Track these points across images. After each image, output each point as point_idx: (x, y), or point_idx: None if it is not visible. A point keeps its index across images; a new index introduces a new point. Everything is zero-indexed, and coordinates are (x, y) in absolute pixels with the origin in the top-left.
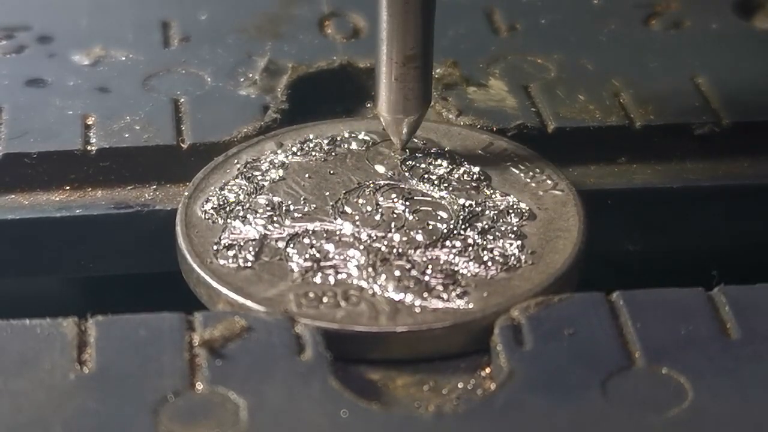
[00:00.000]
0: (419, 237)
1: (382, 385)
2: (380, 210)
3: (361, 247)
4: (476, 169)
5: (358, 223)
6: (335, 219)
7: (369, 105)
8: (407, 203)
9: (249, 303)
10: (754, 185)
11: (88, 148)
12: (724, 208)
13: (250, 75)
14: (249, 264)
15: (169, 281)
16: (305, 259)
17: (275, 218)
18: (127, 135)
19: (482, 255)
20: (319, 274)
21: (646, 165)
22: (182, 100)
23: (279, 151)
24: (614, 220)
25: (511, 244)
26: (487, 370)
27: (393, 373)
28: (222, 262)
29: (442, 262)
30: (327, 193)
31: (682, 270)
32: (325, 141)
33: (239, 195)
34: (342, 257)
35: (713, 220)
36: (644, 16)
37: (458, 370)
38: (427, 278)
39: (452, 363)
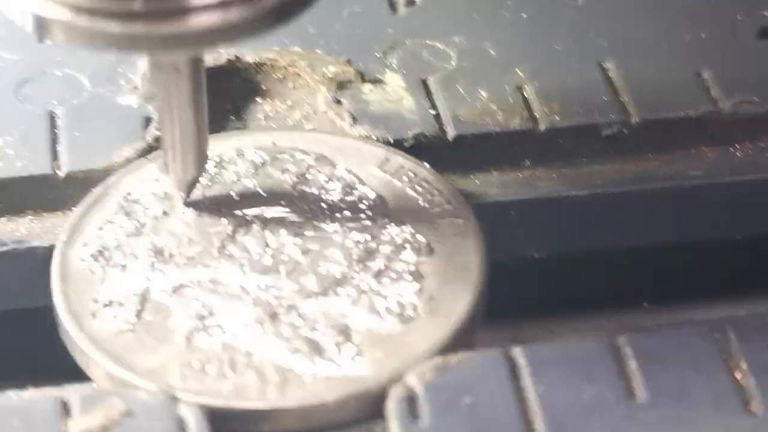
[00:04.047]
0: (310, 284)
1: None
2: (268, 251)
3: (249, 299)
4: (372, 194)
5: (245, 268)
6: (221, 264)
7: (259, 101)
8: (298, 241)
9: (129, 377)
10: (665, 188)
11: None
12: (631, 212)
13: (131, 77)
14: (130, 326)
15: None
16: (189, 317)
17: (157, 266)
18: (0, 163)
19: (376, 304)
20: (204, 335)
21: (551, 169)
22: (58, 111)
23: (162, 178)
24: (518, 229)
25: (407, 289)
26: None
27: None
28: (100, 324)
29: (334, 314)
30: (212, 230)
31: (589, 274)
32: (212, 164)
33: (119, 236)
34: (228, 313)
35: (619, 223)
36: None
37: None
38: (318, 336)
39: None
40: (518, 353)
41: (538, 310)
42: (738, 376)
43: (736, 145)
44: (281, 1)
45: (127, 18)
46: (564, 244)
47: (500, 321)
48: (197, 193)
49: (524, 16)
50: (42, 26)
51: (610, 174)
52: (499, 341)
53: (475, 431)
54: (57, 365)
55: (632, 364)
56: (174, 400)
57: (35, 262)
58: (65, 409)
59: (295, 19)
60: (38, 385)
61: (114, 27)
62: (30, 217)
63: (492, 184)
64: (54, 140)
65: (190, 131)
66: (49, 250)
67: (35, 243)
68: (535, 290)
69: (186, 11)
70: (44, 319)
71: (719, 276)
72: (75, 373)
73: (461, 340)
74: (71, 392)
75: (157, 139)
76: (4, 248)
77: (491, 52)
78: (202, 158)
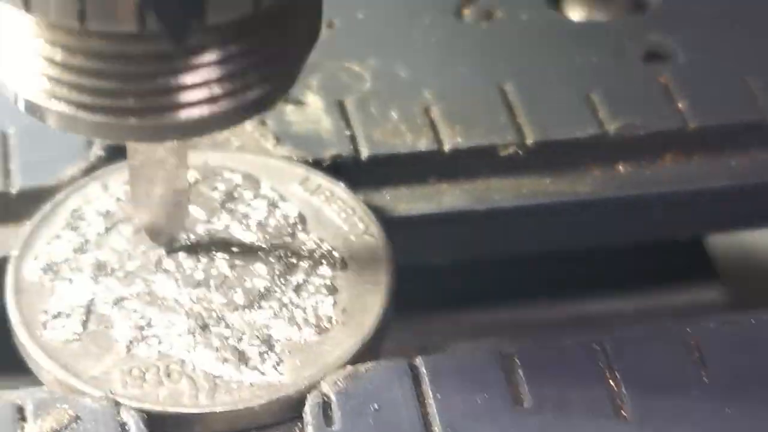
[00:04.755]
0: (237, 297)
1: None
2: (200, 266)
3: (183, 311)
4: (293, 212)
5: (179, 282)
6: (157, 277)
7: None
8: (226, 256)
9: (76, 383)
10: (554, 203)
11: None
12: (527, 225)
13: None
14: (76, 336)
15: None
16: (130, 327)
17: (100, 279)
18: None
19: (296, 316)
20: (143, 344)
21: (454, 185)
22: (10, 131)
23: (104, 195)
24: (423, 239)
25: (323, 302)
26: None
27: None
28: (50, 334)
29: (258, 326)
30: (149, 246)
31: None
32: None
33: (66, 251)
34: (164, 324)
35: (514, 234)
36: (458, 2)
37: None
38: (243, 346)
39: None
40: (420, 362)
41: (441, 308)
42: (612, 384)
43: (620, 165)
44: (263, 93)
45: (120, 112)
46: (464, 252)
47: (405, 317)
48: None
49: (433, 39)
50: (34, 110)
51: (507, 190)
52: (406, 338)
53: None
54: (10, 363)
55: (519, 373)
56: (116, 405)
57: None
58: (20, 413)
59: (274, 107)
60: None
61: (107, 119)
62: None
63: (401, 199)
64: (6, 158)
65: (169, 199)
66: (1, 261)
67: None
68: (438, 291)
69: (177, 107)
70: None
71: (602, 276)
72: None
73: (371, 348)
74: (25, 397)
75: (99, 159)
76: None
77: (401, 74)
78: (182, 219)
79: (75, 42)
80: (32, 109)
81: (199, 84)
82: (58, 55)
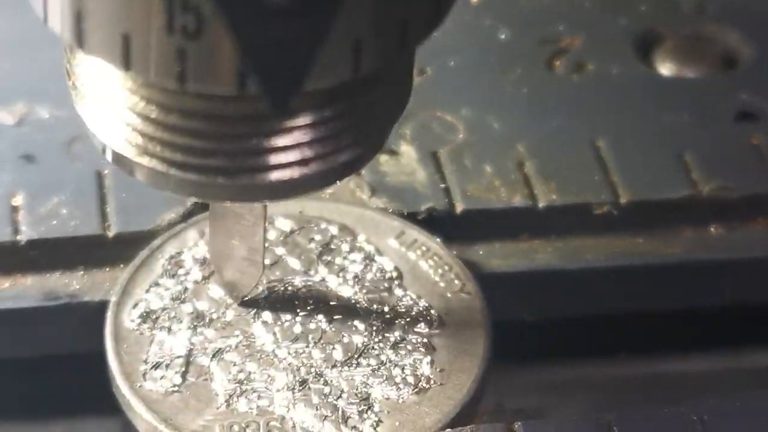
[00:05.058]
0: (336, 354)
1: None
2: (297, 319)
3: (281, 366)
4: (389, 266)
5: (278, 335)
6: (256, 329)
7: None
8: (324, 309)
9: None
10: (645, 264)
11: (18, 238)
12: (619, 284)
13: None
14: (176, 387)
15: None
16: (229, 380)
17: (199, 329)
18: (54, 222)
19: (394, 374)
20: (243, 399)
21: (547, 242)
22: (105, 171)
23: (201, 242)
24: (515, 296)
25: (420, 360)
26: None
27: None
28: (150, 385)
29: (357, 383)
30: (247, 297)
31: (576, 334)
32: None
33: (164, 299)
34: (263, 378)
35: (608, 294)
36: (549, 54)
37: None
38: (343, 404)
39: None
40: (519, 428)
41: (532, 363)
42: None
43: (712, 226)
44: (353, 156)
45: (211, 171)
46: (555, 309)
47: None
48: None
49: (524, 90)
50: (123, 164)
51: (600, 249)
52: (496, 393)
53: None
54: (103, 406)
55: None
56: None
57: (87, 315)
58: None
59: (362, 169)
60: (83, 426)
61: (197, 178)
62: (81, 272)
63: (494, 255)
64: (103, 201)
65: (246, 255)
66: (98, 305)
67: (87, 298)
68: (529, 346)
69: (268, 168)
70: (92, 364)
71: (689, 336)
72: (117, 416)
73: (469, 410)
74: None
75: (197, 204)
76: (60, 301)
77: (495, 125)
78: (255, 276)
79: (171, 100)
80: (121, 162)
81: (292, 146)
82: (153, 113)
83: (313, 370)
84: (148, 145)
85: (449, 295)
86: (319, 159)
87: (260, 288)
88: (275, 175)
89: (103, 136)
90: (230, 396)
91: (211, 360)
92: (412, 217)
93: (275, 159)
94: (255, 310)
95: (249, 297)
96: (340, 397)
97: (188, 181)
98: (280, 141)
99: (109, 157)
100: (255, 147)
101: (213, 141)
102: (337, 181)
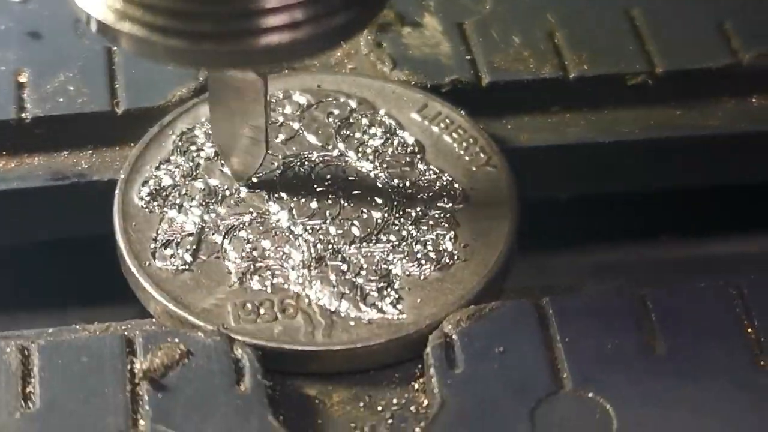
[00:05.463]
0: (354, 230)
1: (319, 402)
2: (315, 196)
3: (297, 242)
4: (411, 139)
5: (293, 212)
6: (270, 206)
7: None
8: (342, 185)
9: (187, 316)
10: (683, 137)
11: (23, 115)
12: (651, 157)
13: None
14: (186, 266)
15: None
16: (242, 258)
17: (211, 206)
18: (61, 99)
19: (416, 250)
20: (257, 276)
21: (578, 114)
22: (115, 48)
23: None
24: (545, 172)
25: (444, 236)
26: (421, 380)
27: (329, 387)
28: (159, 263)
29: (376, 260)
30: (261, 173)
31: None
32: None
33: (175, 176)
34: (278, 255)
35: (644, 169)
36: None
37: (392, 383)
38: (361, 281)
39: (387, 373)
40: (546, 303)
41: (562, 244)
42: (750, 332)
43: (754, 97)
44: (348, 18)
45: (196, 37)
46: (588, 185)
47: (528, 255)
48: None
49: None
50: (106, 32)
51: (634, 121)
52: (527, 276)
53: (508, 382)
54: (114, 290)
55: (652, 317)
56: (230, 341)
57: (96, 195)
58: (130, 346)
59: (358, 35)
60: (97, 308)
61: (183, 44)
62: (89, 151)
63: (522, 129)
64: (112, 77)
65: (249, 134)
66: (108, 184)
67: (95, 177)
68: (560, 227)
69: (256, 32)
70: (103, 247)
71: (730, 215)
72: (130, 298)
73: (494, 287)
74: (134, 329)
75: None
76: (68, 181)
77: None
78: (259, 156)
79: None
80: (104, 30)
81: (280, 7)
82: None
83: (330, 246)
84: (128, 10)
85: (474, 168)
86: (311, 22)
87: (275, 164)
88: (264, 40)
89: (85, 4)
90: (243, 274)
91: (224, 237)
92: (435, 90)
93: (263, 22)
94: (270, 186)
95: (263, 174)
96: (358, 274)
97: (173, 47)
98: (266, 2)
99: (93, 27)
100: (241, 9)
101: (197, 3)
102: (332, 47)
